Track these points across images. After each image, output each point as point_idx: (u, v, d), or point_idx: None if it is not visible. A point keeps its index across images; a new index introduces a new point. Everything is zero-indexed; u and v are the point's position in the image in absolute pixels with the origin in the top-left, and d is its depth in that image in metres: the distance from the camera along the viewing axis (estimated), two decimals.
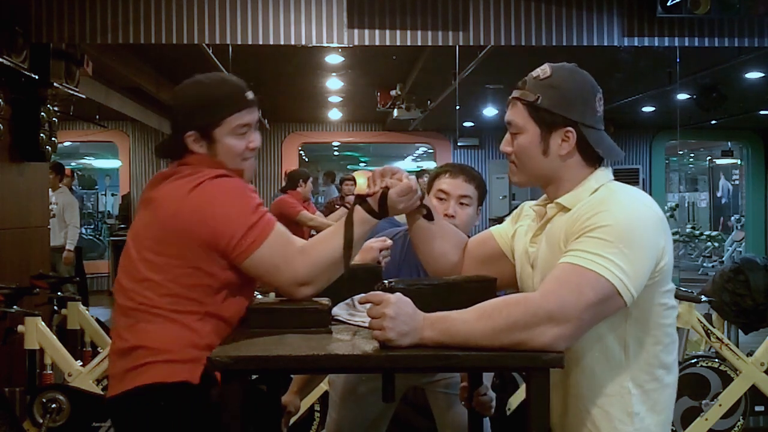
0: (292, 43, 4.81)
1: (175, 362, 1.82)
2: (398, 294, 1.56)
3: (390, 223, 2.67)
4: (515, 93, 1.75)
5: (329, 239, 1.87)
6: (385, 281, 1.60)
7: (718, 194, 14.98)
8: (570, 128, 1.68)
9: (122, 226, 10.85)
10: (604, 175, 1.72)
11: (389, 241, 2.30)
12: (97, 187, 15.40)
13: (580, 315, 1.51)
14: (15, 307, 4.06)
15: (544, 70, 1.72)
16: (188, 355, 1.83)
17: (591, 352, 1.64)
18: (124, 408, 1.88)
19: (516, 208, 1.95)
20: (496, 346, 1.51)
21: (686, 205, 16.48)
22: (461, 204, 2.51)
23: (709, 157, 14.64)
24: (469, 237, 2.03)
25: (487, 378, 2.43)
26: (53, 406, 3.87)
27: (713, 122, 10.43)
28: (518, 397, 3.82)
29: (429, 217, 1.91)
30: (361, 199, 1.87)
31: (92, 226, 13.52)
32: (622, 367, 1.65)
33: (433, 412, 2.81)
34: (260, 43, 4.78)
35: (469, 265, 1.94)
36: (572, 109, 1.68)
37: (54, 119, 5.06)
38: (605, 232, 1.55)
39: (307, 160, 16.29)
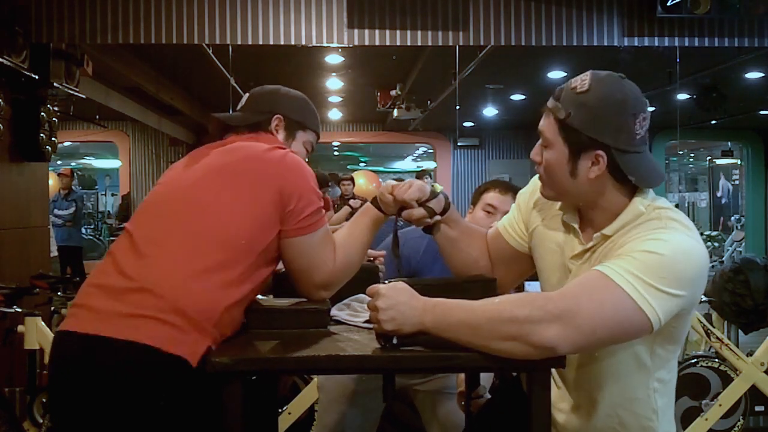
0: (292, 43, 4.81)
1: (180, 329, 1.56)
2: (392, 284, 1.54)
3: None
4: (550, 103, 1.61)
5: (351, 243, 1.88)
6: (386, 281, 1.59)
7: (718, 194, 14.96)
8: (601, 152, 1.55)
9: (122, 226, 10.84)
10: (646, 198, 1.60)
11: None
12: (97, 187, 15.42)
13: (593, 329, 1.44)
14: (15, 307, 4.06)
15: (583, 81, 1.57)
16: (199, 324, 1.59)
17: (622, 360, 1.61)
18: (101, 355, 1.55)
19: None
20: (491, 337, 1.43)
21: (686, 205, 16.46)
22: None
23: (709, 157, 14.63)
24: None
25: (485, 380, 2.42)
26: None
27: (713, 122, 10.43)
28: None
29: (428, 230, 1.88)
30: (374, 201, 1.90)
31: (92, 226, 13.51)
32: (650, 370, 1.63)
33: (420, 412, 2.82)
34: (260, 43, 4.78)
35: (495, 268, 1.89)
36: (605, 133, 1.54)
37: (54, 119, 5.06)
38: (654, 260, 1.46)
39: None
